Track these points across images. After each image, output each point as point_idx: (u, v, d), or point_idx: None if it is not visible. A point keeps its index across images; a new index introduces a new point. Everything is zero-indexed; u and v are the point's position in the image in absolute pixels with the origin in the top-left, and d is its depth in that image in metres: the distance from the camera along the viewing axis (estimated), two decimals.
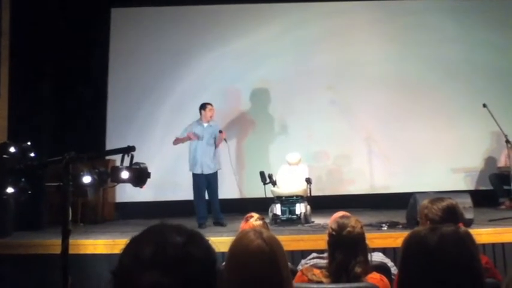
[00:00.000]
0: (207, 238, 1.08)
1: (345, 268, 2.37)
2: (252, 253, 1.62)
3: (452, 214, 2.54)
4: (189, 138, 6.61)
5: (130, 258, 1.01)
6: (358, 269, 2.34)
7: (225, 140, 6.73)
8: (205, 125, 6.66)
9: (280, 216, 6.38)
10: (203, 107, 6.71)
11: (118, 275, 1.01)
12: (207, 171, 6.57)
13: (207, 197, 6.62)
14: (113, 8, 8.55)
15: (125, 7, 8.58)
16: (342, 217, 2.57)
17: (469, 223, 4.68)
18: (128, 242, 1.06)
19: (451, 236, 1.48)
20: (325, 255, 2.74)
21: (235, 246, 1.69)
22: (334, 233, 2.47)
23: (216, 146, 6.70)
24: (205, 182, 6.57)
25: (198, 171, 6.57)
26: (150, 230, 1.06)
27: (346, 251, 2.40)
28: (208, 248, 1.06)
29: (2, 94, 7.22)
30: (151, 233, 1.05)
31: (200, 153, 6.56)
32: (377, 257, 2.82)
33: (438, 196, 2.78)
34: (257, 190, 6.85)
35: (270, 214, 6.41)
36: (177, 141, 6.73)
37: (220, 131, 6.71)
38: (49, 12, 7.55)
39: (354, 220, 2.50)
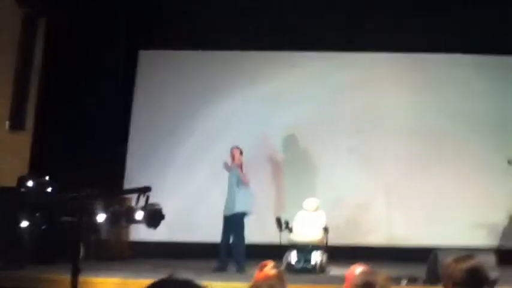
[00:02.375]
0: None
1: None
2: None
3: (476, 276, 2.40)
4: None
5: None
6: None
7: (239, 166, 6.59)
8: (232, 166, 6.68)
9: (295, 266, 6.22)
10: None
11: None
12: (227, 212, 6.52)
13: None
14: (141, 51, 8.77)
15: (153, 49, 8.78)
16: (369, 273, 2.35)
17: (493, 284, 4.46)
18: None
19: None
20: None
21: None
22: None
23: (243, 183, 6.56)
24: (228, 225, 6.49)
25: (224, 212, 6.57)
26: (156, 285, 0.99)
27: None
28: None
29: (27, 127, 7.38)
30: None
31: (227, 194, 6.59)
32: None
33: (462, 255, 2.64)
34: (273, 235, 6.74)
35: (285, 262, 6.25)
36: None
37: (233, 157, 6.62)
38: (79, 49, 7.77)
39: (382, 278, 2.27)
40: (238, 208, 6.50)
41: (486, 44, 8.12)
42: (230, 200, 6.54)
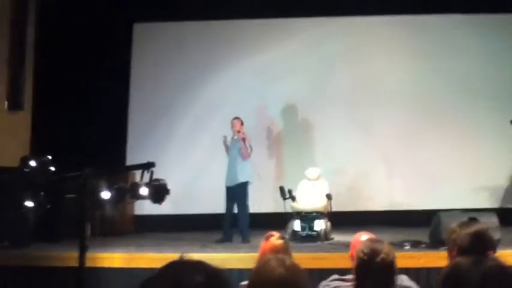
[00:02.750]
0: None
1: None
2: (274, 283, 1.55)
3: (481, 240, 2.42)
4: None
5: None
6: None
7: (243, 138, 6.54)
8: (235, 137, 6.63)
9: (300, 233, 6.28)
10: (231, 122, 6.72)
11: None
12: (229, 183, 6.52)
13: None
14: (136, 23, 8.63)
15: (148, 22, 8.64)
16: (374, 241, 2.40)
17: (496, 245, 4.51)
18: (143, 284, 0.95)
19: (495, 274, 1.39)
20: (348, 277, 2.63)
21: (256, 274, 1.61)
22: (365, 257, 2.28)
23: (244, 157, 6.53)
24: (232, 195, 6.51)
25: (227, 183, 6.57)
26: (168, 268, 0.97)
27: (378, 280, 2.24)
28: None
29: (25, 106, 7.34)
30: (169, 271, 0.96)
31: (229, 166, 6.57)
32: (403, 281, 2.70)
33: (466, 220, 2.67)
34: (274, 205, 6.79)
35: (289, 230, 6.31)
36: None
37: (238, 131, 6.54)
38: (73, 25, 7.64)
39: (387, 246, 2.33)
40: (242, 178, 6.51)
41: (483, 2, 8.00)
42: (233, 170, 6.52)
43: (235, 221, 6.49)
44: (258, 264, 1.66)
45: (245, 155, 6.53)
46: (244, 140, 6.52)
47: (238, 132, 6.55)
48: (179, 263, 0.96)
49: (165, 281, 0.93)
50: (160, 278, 0.95)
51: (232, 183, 6.51)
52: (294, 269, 1.61)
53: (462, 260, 1.48)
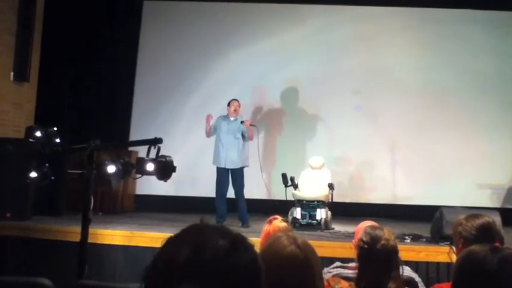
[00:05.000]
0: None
1: (377, 284, 2.21)
2: (285, 260, 1.53)
3: (488, 233, 2.40)
4: (207, 121, 6.53)
5: (165, 263, 0.89)
6: (392, 285, 2.20)
7: (252, 125, 6.55)
8: (232, 119, 6.55)
9: (300, 220, 6.27)
10: (228, 103, 6.64)
11: (151, 282, 0.89)
12: (230, 165, 6.43)
13: (230, 194, 6.50)
14: (145, 1, 8.56)
15: (158, 0, 8.58)
16: (373, 228, 2.38)
17: (502, 240, 4.49)
18: (163, 243, 0.93)
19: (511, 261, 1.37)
20: (350, 265, 2.63)
21: (267, 251, 1.59)
22: (365, 246, 2.28)
23: (247, 139, 6.50)
24: (228, 177, 6.44)
25: (221, 164, 6.43)
26: (189, 229, 0.94)
27: (379, 266, 2.23)
28: (254, 255, 0.93)
29: (31, 79, 7.30)
30: (190, 233, 0.93)
31: (224, 146, 6.42)
32: (405, 272, 2.69)
33: (473, 212, 2.64)
34: (276, 192, 6.76)
35: (290, 217, 6.29)
36: (207, 133, 6.62)
37: (242, 122, 6.49)
38: (82, 1, 7.58)
39: (387, 232, 2.33)
40: (245, 162, 6.48)
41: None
42: (231, 152, 6.42)
43: (232, 204, 6.47)
44: (268, 242, 1.64)
45: (251, 138, 6.52)
46: (250, 124, 6.52)
47: (242, 122, 6.48)
48: (201, 226, 0.94)
49: (187, 241, 0.91)
50: (182, 239, 0.93)
51: (232, 166, 6.43)
52: (306, 246, 1.59)
53: (477, 247, 1.46)
